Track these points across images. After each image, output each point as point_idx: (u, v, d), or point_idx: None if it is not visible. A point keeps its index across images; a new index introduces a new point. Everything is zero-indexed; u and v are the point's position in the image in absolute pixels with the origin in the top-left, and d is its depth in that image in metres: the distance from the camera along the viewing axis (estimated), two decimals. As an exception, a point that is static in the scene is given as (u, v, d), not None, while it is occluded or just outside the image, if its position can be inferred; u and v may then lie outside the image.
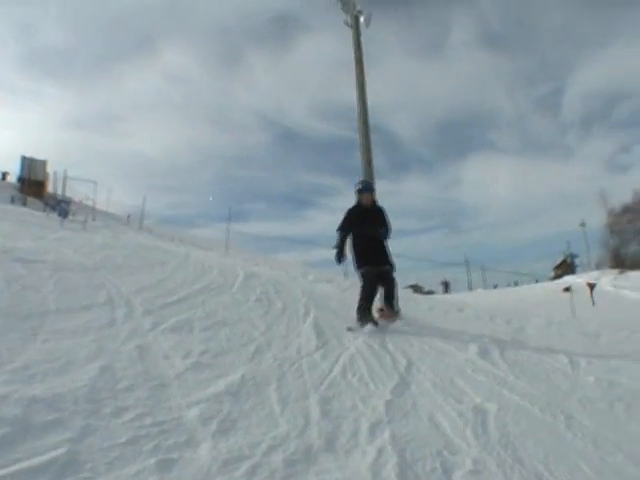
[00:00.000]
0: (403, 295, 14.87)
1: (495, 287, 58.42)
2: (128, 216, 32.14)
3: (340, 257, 7.74)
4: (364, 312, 7.26)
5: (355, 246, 7.78)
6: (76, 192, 31.95)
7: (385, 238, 7.95)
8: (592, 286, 22.37)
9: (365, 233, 7.73)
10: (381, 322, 7.43)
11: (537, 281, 58.44)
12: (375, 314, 7.67)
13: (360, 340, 6.19)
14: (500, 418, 3.87)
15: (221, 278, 10.07)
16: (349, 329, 6.74)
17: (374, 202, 8.20)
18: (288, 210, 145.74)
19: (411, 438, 3.41)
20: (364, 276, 7.62)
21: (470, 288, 60.95)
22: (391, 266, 7.91)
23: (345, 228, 7.81)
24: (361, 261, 7.69)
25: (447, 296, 45.62)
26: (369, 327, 6.90)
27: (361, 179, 9.10)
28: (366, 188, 8.20)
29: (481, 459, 3.14)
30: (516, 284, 57.72)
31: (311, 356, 5.26)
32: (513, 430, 3.64)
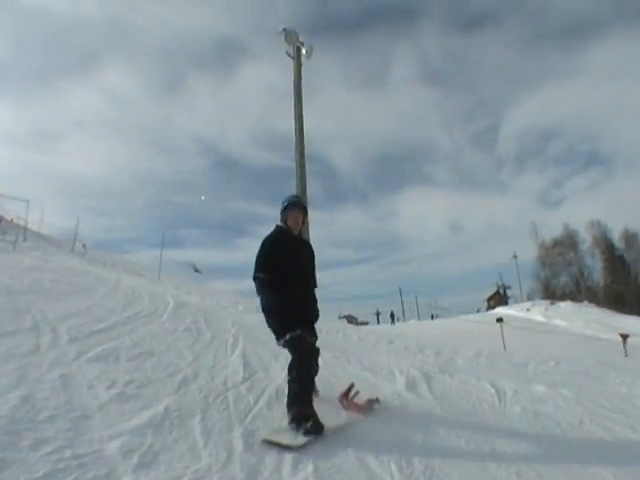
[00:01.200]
0: (337, 326, 15.00)
1: (433, 317, 59.74)
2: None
3: (283, 328, 4.68)
4: (306, 407, 4.32)
5: (282, 296, 4.74)
6: (7, 210, 30.90)
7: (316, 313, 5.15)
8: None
9: (300, 276, 4.93)
10: (346, 417, 4.81)
11: (470, 313, 59.97)
12: (339, 405, 5.10)
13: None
14: (425, 450, 3.99)
15: (151, 306, 9.93)
16: (267, 442, 3.91)
17: (301, 233, 5.32)
18: (223, 237, 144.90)
19: (334, 471, 3.49)
20: (299, 344, 4.62)
21: (404, 319, 61.97)
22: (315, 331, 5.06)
23: (269, 269, 4.78)
24: (294, 320, 4.67)
25: (380, 327, 46.11)
26: (312, 436, 4.03)
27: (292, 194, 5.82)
28: (297, 203, 5.26)
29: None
30: (432, 317, 59.52)
31: (237, 388, 5.27)
32: (438, 462, 3.76)
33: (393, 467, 3.62)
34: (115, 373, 5.07)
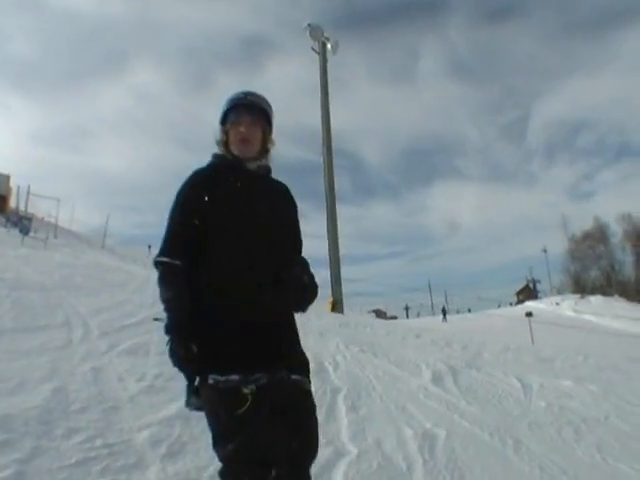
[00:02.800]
0: (365, 320, 15.02)
1: (458, 312, 59.18)
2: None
3: (187, 360, 2.08)
4: None
5: (209, 300, 2.23)
6: (39, 208, 31.41)
7: (305, 296, 2.39)
8: None
9: (254, 267, 2.28)
10: None
11: (499, 306, 59.51)
12: None
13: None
14: (449, 443, 3.98)
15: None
16: None
17: (267, 167, 2.57)
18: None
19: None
20: (228, 417, 2.02)
21: (433, 313, 61.64)
22: (307, 374, 2.34)
23: (181, 250, 2.29)
24: (226, 353, 2.12)
25: (408, 321, 46.01)
26: None
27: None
28: (247, 104, 2.49)
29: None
30: (469, 311, 58.66)
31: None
32: (461, 455, 3.76)
33: (416, 459, 3.63)
34: (145, 366, 5.16)
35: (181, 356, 2.06)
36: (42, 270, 11.18)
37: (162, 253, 2.28)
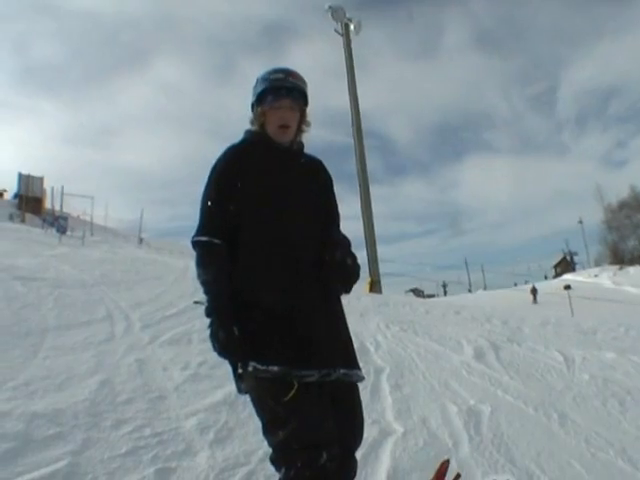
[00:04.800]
0: (403, 299, 14.95)
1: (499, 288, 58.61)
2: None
3: (228, 344, 1.99)
4: None
5: (250, 277, 2.16)
6: (73, 208, 32.08)
7: (350, 279, 2.35)
8: None
9: (293, 244, 2.22)
10: None
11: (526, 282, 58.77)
12: None
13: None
14: (494, 419, 3.94)
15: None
16: None
17: (301, 142, 2.48)
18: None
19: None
20: (282, 410, 1.94)
21: (469, 290, 61.20)
22: (356, 365, 2.22)
23: (220, 228, 2.19)
24: (273, 337, 2.03)
25: (447, 298, 45.75)
26: None
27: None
28: (286, 86, 2.34)
29: (473, 460, 3.22)
30: (515, 285, 57.88)
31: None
32: (506, 430, 3.71)
33: (462, 435, 3.60)
34: (188, 355, 5.19)
35: (222, 340, 1.97)
36: (81, 267, 11.35)
37: (200, 232, 2.18)
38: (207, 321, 2.04)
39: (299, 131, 2.42)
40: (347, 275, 2.31)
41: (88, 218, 30.26)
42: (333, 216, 2.51)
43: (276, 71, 2.37)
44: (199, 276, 2.15)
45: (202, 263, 2.15)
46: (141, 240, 28.17)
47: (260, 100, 2.34)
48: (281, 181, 2.28)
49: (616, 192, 79.29)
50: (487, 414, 4.03)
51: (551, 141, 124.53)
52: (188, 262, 18.03)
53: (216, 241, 2.13)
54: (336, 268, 2.24)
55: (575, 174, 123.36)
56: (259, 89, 2.35)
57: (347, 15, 14.91)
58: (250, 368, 1.96)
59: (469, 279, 72.21)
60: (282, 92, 2.32)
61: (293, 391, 1.91)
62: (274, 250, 2.16)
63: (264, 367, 1.94)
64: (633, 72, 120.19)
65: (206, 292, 2.09)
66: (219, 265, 2.12)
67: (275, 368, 1.93)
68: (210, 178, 2.28)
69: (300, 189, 2.33)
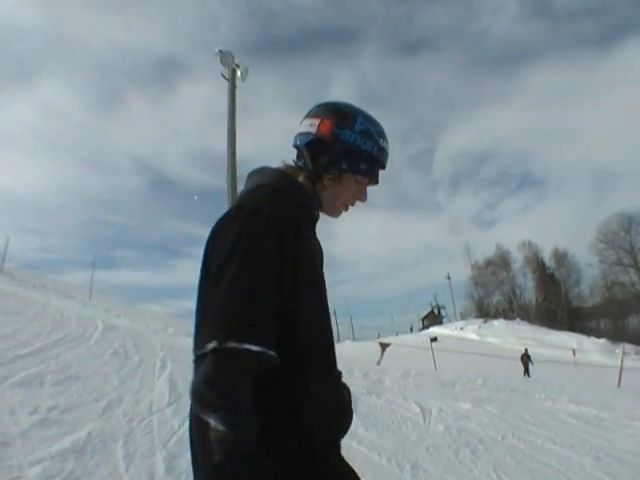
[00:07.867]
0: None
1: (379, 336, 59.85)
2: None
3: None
4: None
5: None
6: None
7: None
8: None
9: (334, 359, 1.57)
10: None
11: (397, 334, 60.82)
12: None
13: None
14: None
15: (79, 329, 9.76)
16: None
17: None
18: (158, 259, 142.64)
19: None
20: None
21: (338, 340, 62.03)
22: None
23: (272, 337, 1.26)
24: None
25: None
26: None
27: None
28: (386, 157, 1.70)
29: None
30: (378, 336, 59.48)
31: (162, 411, 5.30)
32: None
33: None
34: (39, 398, 5.02)
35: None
36: None
37: (246, 335, 1.20)
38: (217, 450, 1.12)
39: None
40: None
41: (-56, 241, 28.19)
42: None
43: (385, 136, 1.69)
44: (232, 405, 1.15)
45: (238, 385, 1.18)
46: (2, 269, 26.46)
47: (362, 163, 1.63)
48: (323, 277, 1.57)
49: (483, 250, 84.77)
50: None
51: (426, 199, 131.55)
52: (50, 297, 17.29)
53: (272, 353, 1.24)
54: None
55: (447, 232, 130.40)
56: (375, 149, 1.62)
57: (235, 61, 15.13)
58: None
59: (337, 330, 73.30)
60: (384, 162, 1.71)
61: None
62: (330, 373, 1.56)
63: None
64: (506, 139, 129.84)
65: (237, 424, 1.14)
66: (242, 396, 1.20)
67: None
68: (250, 248, 1.30)
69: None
